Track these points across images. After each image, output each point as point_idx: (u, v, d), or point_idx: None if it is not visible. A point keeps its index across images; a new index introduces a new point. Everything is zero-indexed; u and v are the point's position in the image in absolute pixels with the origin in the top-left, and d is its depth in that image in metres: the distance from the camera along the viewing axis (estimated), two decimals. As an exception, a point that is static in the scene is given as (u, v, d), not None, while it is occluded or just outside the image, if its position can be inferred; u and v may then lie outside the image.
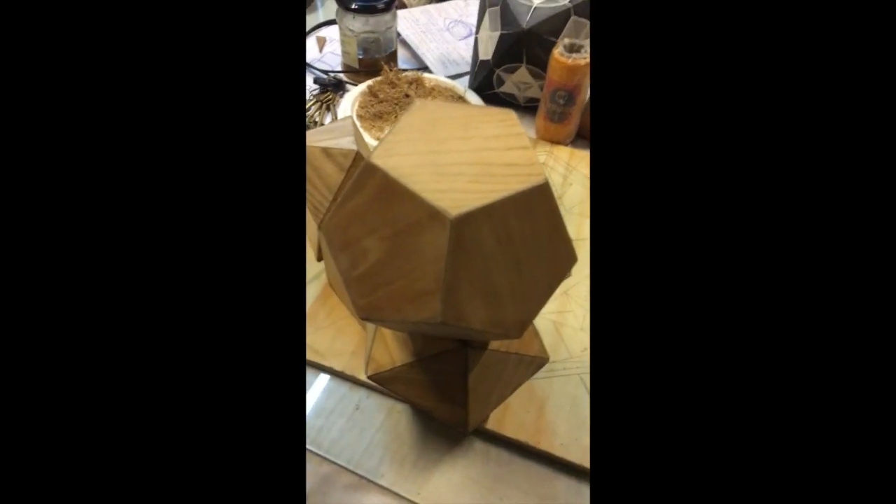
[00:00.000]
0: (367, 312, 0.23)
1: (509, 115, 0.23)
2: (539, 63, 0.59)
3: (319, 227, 0.38)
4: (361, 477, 0.34)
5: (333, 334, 0.41)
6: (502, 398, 0.32)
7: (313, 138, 0.37)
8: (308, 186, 0.39)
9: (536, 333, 0.32)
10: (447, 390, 0.30)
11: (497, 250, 0.21)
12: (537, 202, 0.21)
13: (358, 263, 0.23)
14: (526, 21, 0.57)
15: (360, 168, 0.22)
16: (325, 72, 0.69)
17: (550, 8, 0.57)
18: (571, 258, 0.23)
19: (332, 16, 0.81)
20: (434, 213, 0.20)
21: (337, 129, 0.39)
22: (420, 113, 0.23)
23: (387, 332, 0.31)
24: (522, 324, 0.23)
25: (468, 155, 0.21)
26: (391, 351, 0.30)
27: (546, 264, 0.22)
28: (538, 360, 0.31)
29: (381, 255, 0.22)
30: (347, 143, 0.36)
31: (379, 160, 0.21)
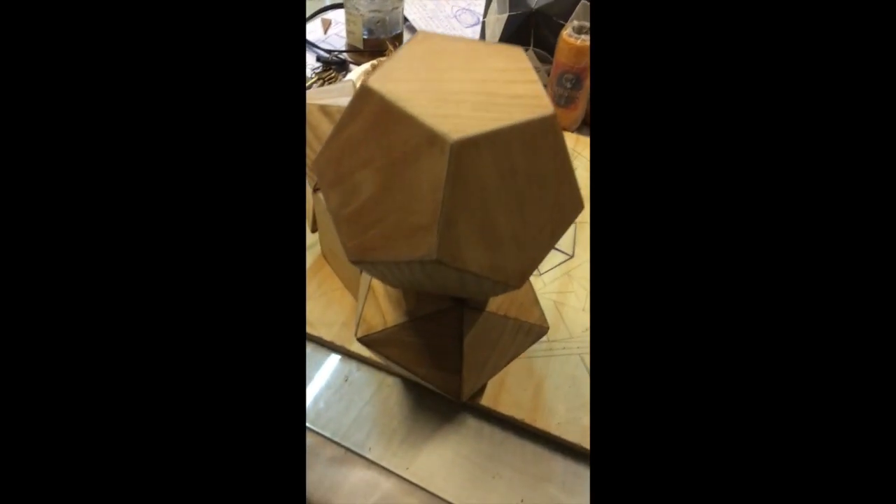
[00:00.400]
0: (358, 254, 0.21)
1: (517, 51, 0.22)
2: (546, 45, 0.58)
3: (315, 190, 0.37)
4: (347, 450, 0.32)
5: (324, 304, 0.39)
6: (498, 367, 0.30)
7: (312, 97, 0.36)
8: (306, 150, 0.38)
9: (537, 301, 0.30)
10: (441, 355, 0.28)
11: (499, 185, 0.19)
12: (544, 136, 0.20)
13: (350, 200, 0.21)
14: (535, 2, 0.56)
15: (356, 93, 0.20)
16: (329, 51, 0.68)
17: (560, -10, 0.56)
18: (578, 204, 0.22)
19: (339, -1, 0.81)
20: (433, 138, 0.18)
21: (336, 90, 0.37)
22: (423, 44, 0.22)
23: (379, 293, 0.29)
24: (523, 273, 0.21)
25: (472, 84, 0.20)
26: (383, 312, 0.28)
27: (551, 208, 0.21)
28: (537, 329, 0.30)
29: (374, 190, 0.20)
30: (346, 101, 0.34)
31: (376, 84, 0.19)
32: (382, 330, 0.28)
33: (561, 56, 0.54)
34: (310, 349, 0.37)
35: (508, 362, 0.30)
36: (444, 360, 0.28)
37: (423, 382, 0.31)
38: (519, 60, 0.21)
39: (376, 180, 0.20)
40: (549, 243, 0.22)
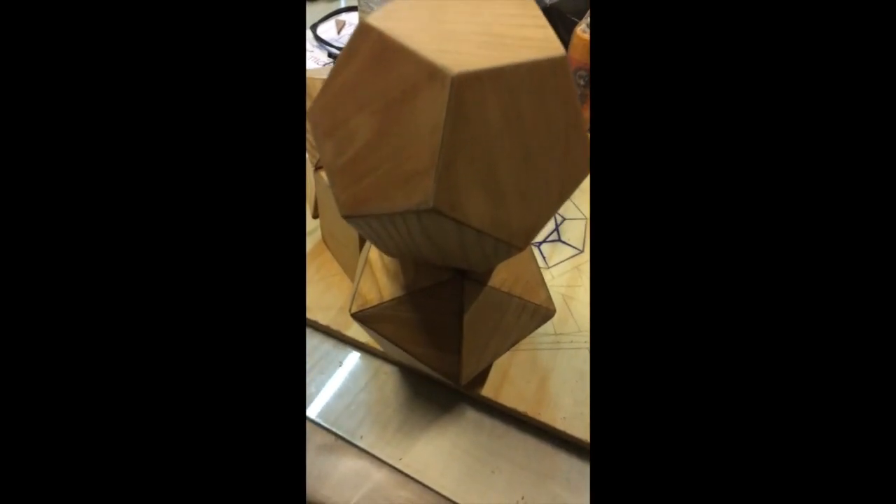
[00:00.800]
0: (351, 208, 0.20)
1: (528, 1, 0.21)
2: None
3: (316, 168, 0.36)
4: (338, 437, 0.31)
5: (322, 289, 0.38)
6: (500, 351, 0.28)
7: (315, 73, 0.35)
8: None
9: (543, 283, 0.28)
10: (440, 332, 0.26)
11: (504, 130, 0.18)
12: (553, 80, 0.18)
13: (345, 149, 0.20)
14: (549, -2, 0.55)
15: (353, 34, 0.19)
16: (342, 49, 0.68)
17: (575, -13, 0.55)
18: (589, 162, 0.20)
19: (354, 2, 0.81)
20: (433, 72, 0.17)
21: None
22: (426, -10, 0.21)
23: (376, 267, 0.27)
24: (528, 231, 0.20)
25: (478, 27, 0.19)
26: (380, 286, 0.27)
27: (560, 161, 0.19)
28: (543, 311, 0.28)
29: (370, 136, 0.19)
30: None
31: (375, 21, 0.18)
32: (378, 304, 0.26)
33: (575, 53, 0.53)
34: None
35: (511, 346, 0.29)
36: (442, 338, 0.26)
37: (420, 367, 0.29)
38: (529, 7, 0.20)
39: (372, 125, 0.19)
40: (556, 201, 0.20)
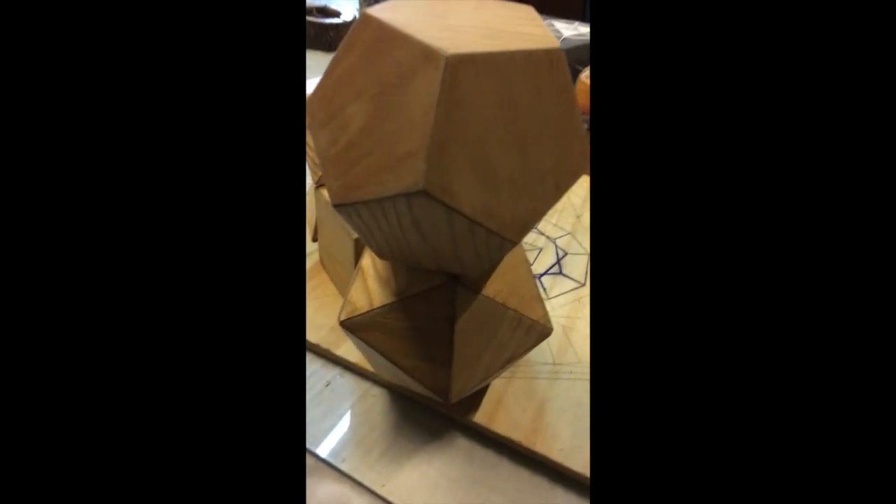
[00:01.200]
0: (342, 196, 0.19)
1: (528, 7, 0.21)
2: (565, 90, 0.59)
3: (317, 185, 0.36)
4: (318, 459, 0.29)
5: (316, 308, 0.37)
6: (493, 368, 0.27)
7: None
8: (308, 149, 0.37)
9: (540, 300, 0.27)
10: (430, 342, 0.25)
11: (498, 116, 0.18)
12: (549, 72, 0.18)
13: (339, 137, 0.20)
14: (554, 47, 0.58)
15: (353, 25, 0.19)
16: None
17: (579, 38, 0.58)
18: (586, 156, 0.20)
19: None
20: (429, 54, 0.17)
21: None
22: (428, -7, 0.21)
23: (368, 274, 0.27)
24: (522, 224, 0.19)
25: (477, 21, 0.19)
26: (370, 293, 0.26)
27: (555, 154, 0.19)
28: (539, 328, 0.27)
29: (364, 122, 0.19)
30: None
31: (375, 12, 0.19)
32: (367, 311, 0.25)
33: (579, 97, 0.55)
34: (293, 353, 0.35)
35: (505, 364, 0.27)
36: (433, 348, 0.25)
37: (409, 386, 0.28)
38: (528, 10, 0.21)
39: (367, 111, 0.19)
40: (552, 195, 0.20)
